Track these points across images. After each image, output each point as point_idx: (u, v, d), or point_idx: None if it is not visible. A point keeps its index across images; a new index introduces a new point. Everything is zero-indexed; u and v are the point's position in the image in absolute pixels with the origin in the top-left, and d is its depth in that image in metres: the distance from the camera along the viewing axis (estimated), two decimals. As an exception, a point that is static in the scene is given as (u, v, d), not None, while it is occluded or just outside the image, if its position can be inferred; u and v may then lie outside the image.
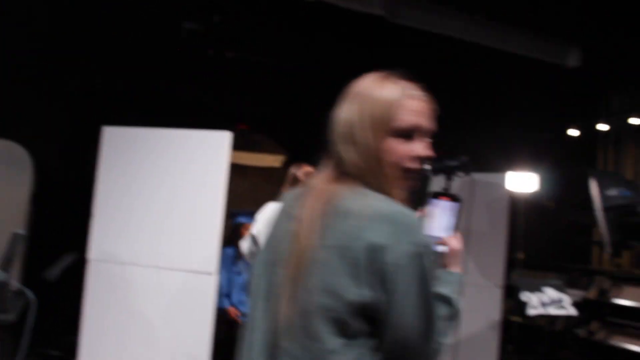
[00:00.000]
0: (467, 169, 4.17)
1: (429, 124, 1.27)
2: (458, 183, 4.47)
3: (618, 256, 6.15)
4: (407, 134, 1.23)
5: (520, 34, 6.19)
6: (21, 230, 4.84)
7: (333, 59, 5.94)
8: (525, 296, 4.45)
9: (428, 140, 1.28)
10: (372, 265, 1.12)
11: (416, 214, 1.21)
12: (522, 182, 6.63)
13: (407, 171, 1.24)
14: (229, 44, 6.24)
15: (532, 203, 7.19)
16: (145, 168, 4.16)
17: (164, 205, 4.09)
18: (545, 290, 4.57)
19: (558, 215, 7.36)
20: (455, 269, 1.37)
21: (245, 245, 3.54)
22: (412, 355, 1.16)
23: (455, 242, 1.40)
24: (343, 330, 1.13)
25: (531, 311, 4.38)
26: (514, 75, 6.78)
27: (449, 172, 4.18)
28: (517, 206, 6.90)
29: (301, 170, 3.65)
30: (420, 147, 1.25)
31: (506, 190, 4.93)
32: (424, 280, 1.14)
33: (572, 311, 4.54)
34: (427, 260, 1.15)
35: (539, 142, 7.67)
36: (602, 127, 7.14)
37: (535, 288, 4.56)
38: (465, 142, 6.10)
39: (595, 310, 6.42)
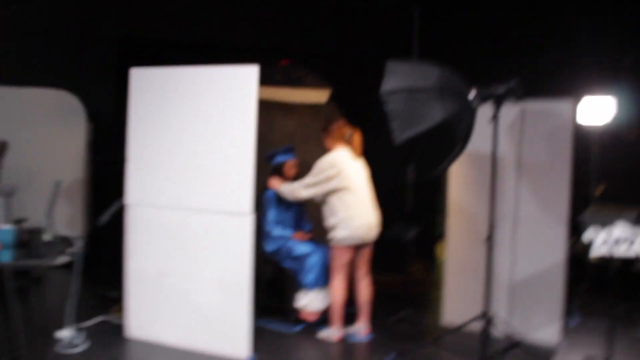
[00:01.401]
0: (517, 95, 3.74)
1: None
2: (508, 111, 4.06)
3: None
4: None
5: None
6: (60, 178, 4.95)
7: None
8: (589, 235, 4.04)
9: None
10: None
11: None
12: (596, 110, 6.02)
13: None
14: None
15: (610, 133, 6.55)
16: (175, 109, 4.04)
17: (195, 146, 3.98)
18: (615, 227, 4.12)
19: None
20: None
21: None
22: None
23: None
24: None
25: (594, 252, 3.97)
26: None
27: (496, 100, 3.78)
28: (590, 136, 6.31)
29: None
30: None
31: (569, 118, 4.43)
32: None
33: (644, 251, 4.08)
34: None
35: (617, 64, 6.92)
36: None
37: (603, 225, 4.12)
38: (525, 67, 5.57)
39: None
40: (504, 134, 4.44)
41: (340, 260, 4.25)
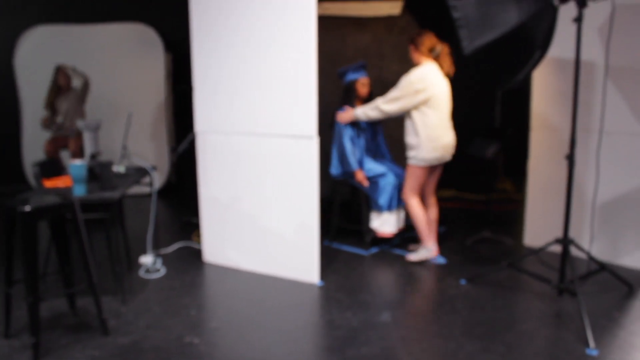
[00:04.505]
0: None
1: None
2: (596, 10, 3.56)
3: None
4: None
5: None
6: (131, 111, 5.07)
7: None
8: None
9: None
10: None
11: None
12: None
13: None
14: None
15: None
16: (235, 34, 3.93)
17: (257, 70, 3.87)
18: None
19: None
20: None
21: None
22: None
23: None
24: None
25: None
26: None
27: (579, -3, 3.31)
28: None
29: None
30: None
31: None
32: None
33: None
34: None
35: None
36: None
37: None
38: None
39: None
40: (591, 36, 3.95)
41: (417, 180, 4.18)
